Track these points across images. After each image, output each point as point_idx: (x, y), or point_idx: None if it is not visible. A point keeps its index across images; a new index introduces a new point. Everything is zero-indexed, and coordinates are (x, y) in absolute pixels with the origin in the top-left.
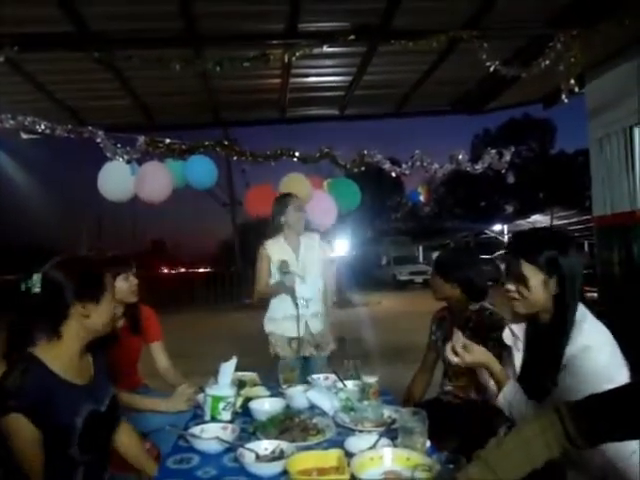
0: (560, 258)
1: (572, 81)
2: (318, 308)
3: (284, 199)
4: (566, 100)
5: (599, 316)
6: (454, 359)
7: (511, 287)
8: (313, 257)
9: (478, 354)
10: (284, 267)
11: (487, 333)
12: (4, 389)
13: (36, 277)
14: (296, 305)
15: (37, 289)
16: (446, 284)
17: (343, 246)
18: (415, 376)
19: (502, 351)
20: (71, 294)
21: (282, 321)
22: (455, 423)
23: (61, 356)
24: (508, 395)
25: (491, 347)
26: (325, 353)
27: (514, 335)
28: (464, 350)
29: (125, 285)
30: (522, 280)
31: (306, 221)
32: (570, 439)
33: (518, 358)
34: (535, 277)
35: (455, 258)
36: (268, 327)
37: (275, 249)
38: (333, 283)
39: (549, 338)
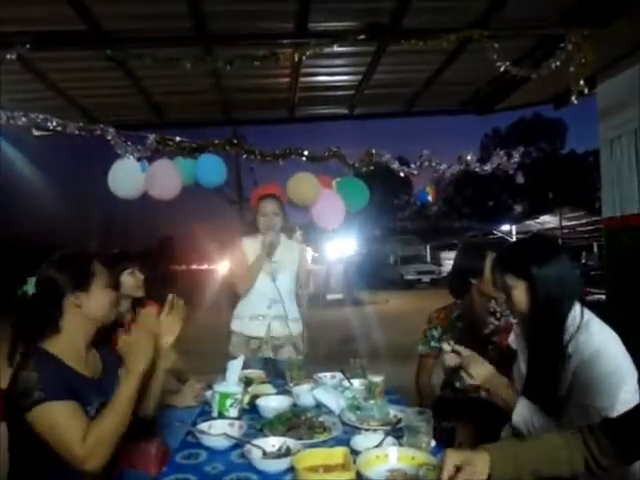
0: (535, 265)
1: (582, 82)
2: (281, 312)
3: (257, 204)
4: (576, 101)
5: (607, 318)
6: (469, 381)
7: (502, 295)
8: (287, 261)
9: (491, 375)
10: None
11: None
12: (23, 385)
13: (30, 281)
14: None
15: (32, 291)
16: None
17: (351, 245)
18: (423, 382)
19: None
20: (61, 288)
21: (248, 320)
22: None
23: (69, 349)
24: (522, 413)
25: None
26: (282, 357)
27: (518, 337)
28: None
29: (131, 280)
30: (507, 289)
31: (309, 222)
32: (595, 460)
33: (524, 362)
34: (517, 285)
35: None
36: (233, 325)
37: (251, 247)
38: (307, 289)
39: (545, 345)
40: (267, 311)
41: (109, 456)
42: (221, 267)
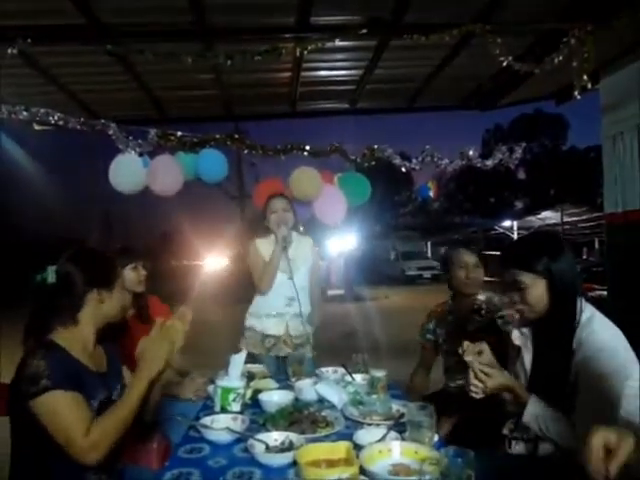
0: (552, 261)
1: (585, 77)
2: (300, 309)
3: (266, 203)
4: (578, 97)
5: (609, 313)
6: (478, 385)
7: (516, 298)
8: (302, 258)
9: (499, 377)
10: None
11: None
12: (31, 373)
13: (50, 269)
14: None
15: (52, 280)
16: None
17: (352, 241)
18: (415, 374)
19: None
20: (86, 282)
21: (265, 318)
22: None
23: (77, 342)
24: (533, 412)
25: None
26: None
27: (523, 334)
28: (486, 376)
29: (133, 275)
30: (523, 289)
31: (310, 217)
32: None
33: (528, 359)
34: (535, 284)
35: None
36: (249, 322)
37: (265, 247)
38: (318, 290)
39: (555, 341)
40: (286, 309)
41: (108, 451)
42: (223, 263)
